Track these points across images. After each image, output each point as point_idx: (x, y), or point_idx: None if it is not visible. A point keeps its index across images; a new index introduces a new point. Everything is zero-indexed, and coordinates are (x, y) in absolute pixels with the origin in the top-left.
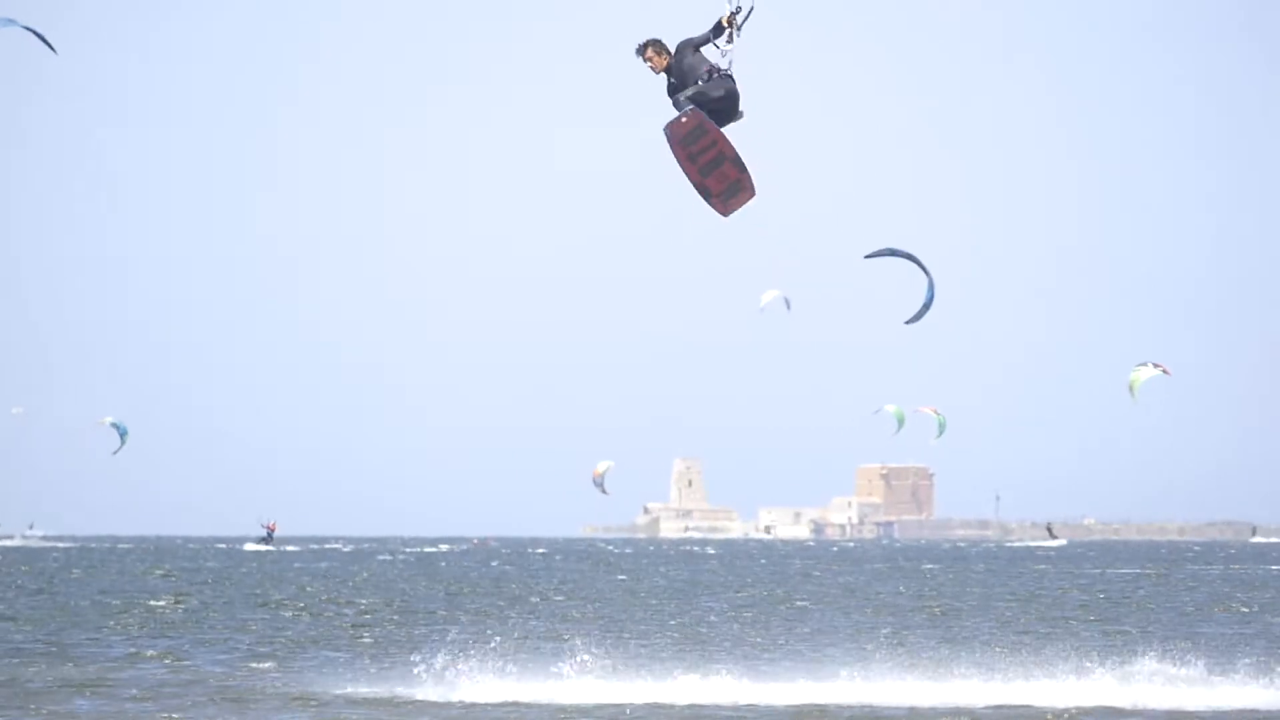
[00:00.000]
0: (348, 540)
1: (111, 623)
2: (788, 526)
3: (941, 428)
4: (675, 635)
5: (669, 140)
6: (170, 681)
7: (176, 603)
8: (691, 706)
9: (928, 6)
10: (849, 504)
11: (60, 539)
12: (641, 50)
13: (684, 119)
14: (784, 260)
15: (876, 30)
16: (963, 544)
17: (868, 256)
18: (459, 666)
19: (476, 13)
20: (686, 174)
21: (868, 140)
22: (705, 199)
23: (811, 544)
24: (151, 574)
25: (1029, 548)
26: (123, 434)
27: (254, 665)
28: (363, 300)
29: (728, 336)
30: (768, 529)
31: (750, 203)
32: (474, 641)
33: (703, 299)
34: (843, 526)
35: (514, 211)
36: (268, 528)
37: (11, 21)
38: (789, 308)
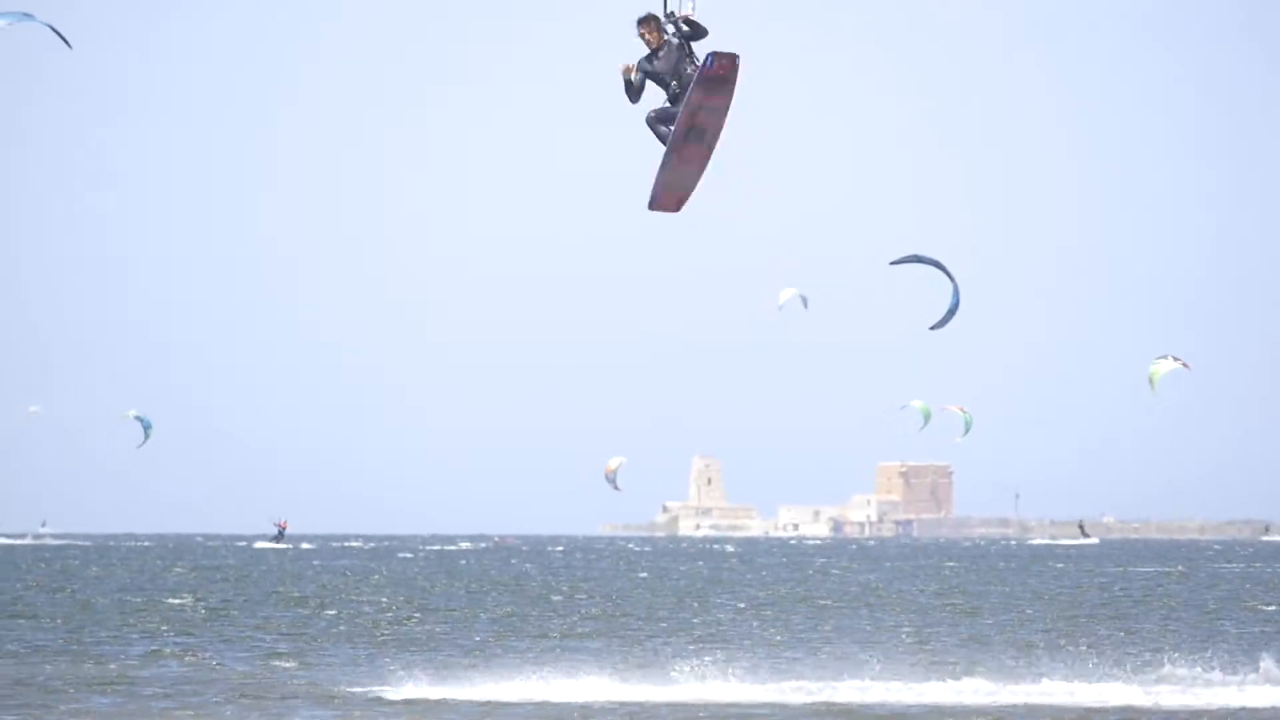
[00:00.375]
0: (367, 538)
1: (132, 621)
2: (807, 524)
3: (968, 426)
4: (697, 634)
5: (700, 72)
6: (191, 679)
7: (197, 601)
8: (713, 705)
9: (928, 6)
10: (868, 502)
11: (72, 537)
12: (644, 22)
13: (724, 62)
14: (800, 258)
15: (877, 30)
16: (982, 542)
17: (893, 263)
18: (480, 664)
19: (477, 13)
20: (677, 123)
21: (881, 139)
22: (661, 168)
23: (830, 542)
24: (170, 572)
25: (1052, 545)
26: (146, 427)
27: (275, 663)
28: (373, 299)
29: (746, 334)
30: (796, 527)
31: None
32: (495, 640)
33: (721, 297)
34: (862, 524)
35: (530, 210)
36: (279, 526)
37: (29, 16)
38: (806, 305)
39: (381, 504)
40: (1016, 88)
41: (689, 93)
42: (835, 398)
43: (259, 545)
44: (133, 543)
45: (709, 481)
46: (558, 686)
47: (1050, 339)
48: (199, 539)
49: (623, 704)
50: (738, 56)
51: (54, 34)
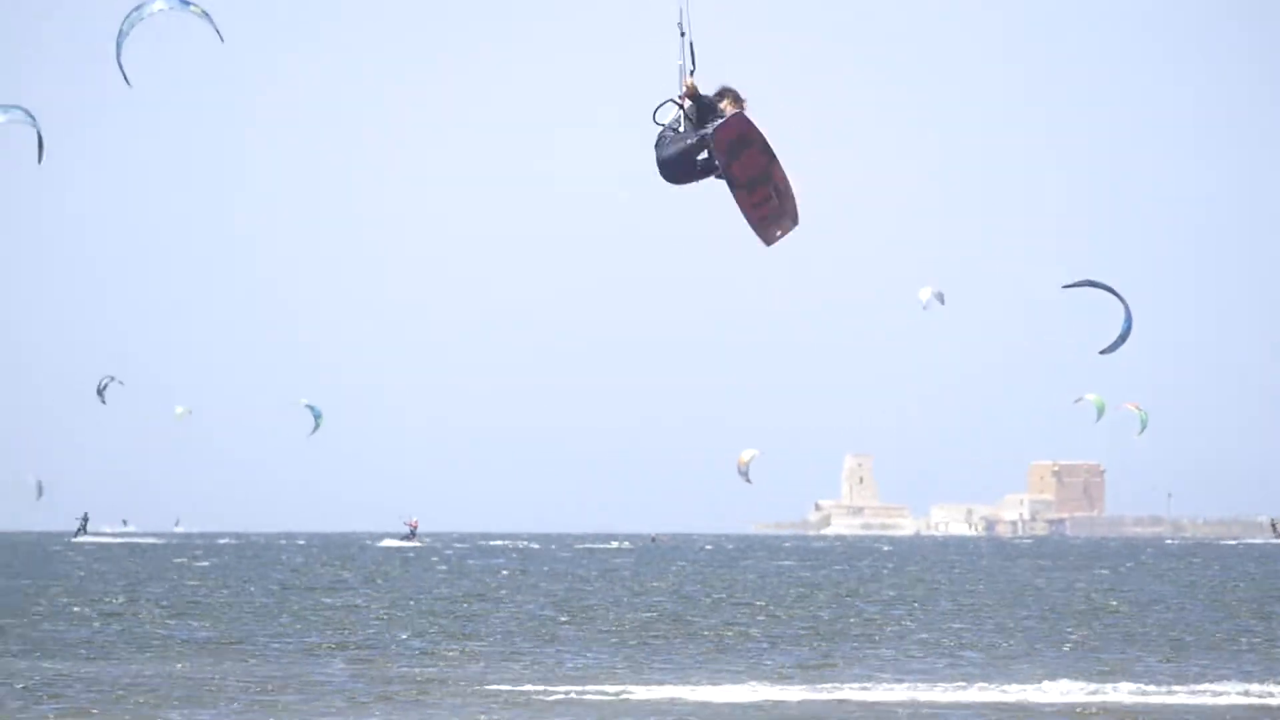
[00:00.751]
0: (516, 537)
1: (295, 619)
2: (958, 524)
3: (1143, 424)
4: (855, 633)
5: (712, 140)
6: (356, 676)
7: (356, 599)
8: (879, 706)
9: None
10: (1021, 501)
11: (209, 535)
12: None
13: (726, 130)
14: (949, 255)
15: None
16: (1136, 540)
17: (1065, 287)
18: (640, 665)
19: (483, 11)
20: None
21: (1042, 136)
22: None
23: (990, 541)
24: (322, 570)
25: (1249, 545)
26: (317, 416)
27: (434, 661)
28: (522, 296)
29: (899, 332)
30: (981, 526)
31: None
32: (655, 639)
33: (872, 294)
34: (1014, 524)
35: (690, 208)
36: (410, 525)
37: (187, 4)
38: (943, 302)
39: (541, 503)
40: (1188, 83)
41: (721, 169)
42: (988, 396)
43: (386, 544)
44: (285, 541)
45: (861, 480)
46: (720, 688)
47: (1211, 337)
48: (354, 536)
49: (807, 702)
50: (739, 115)
51: (210, 25)
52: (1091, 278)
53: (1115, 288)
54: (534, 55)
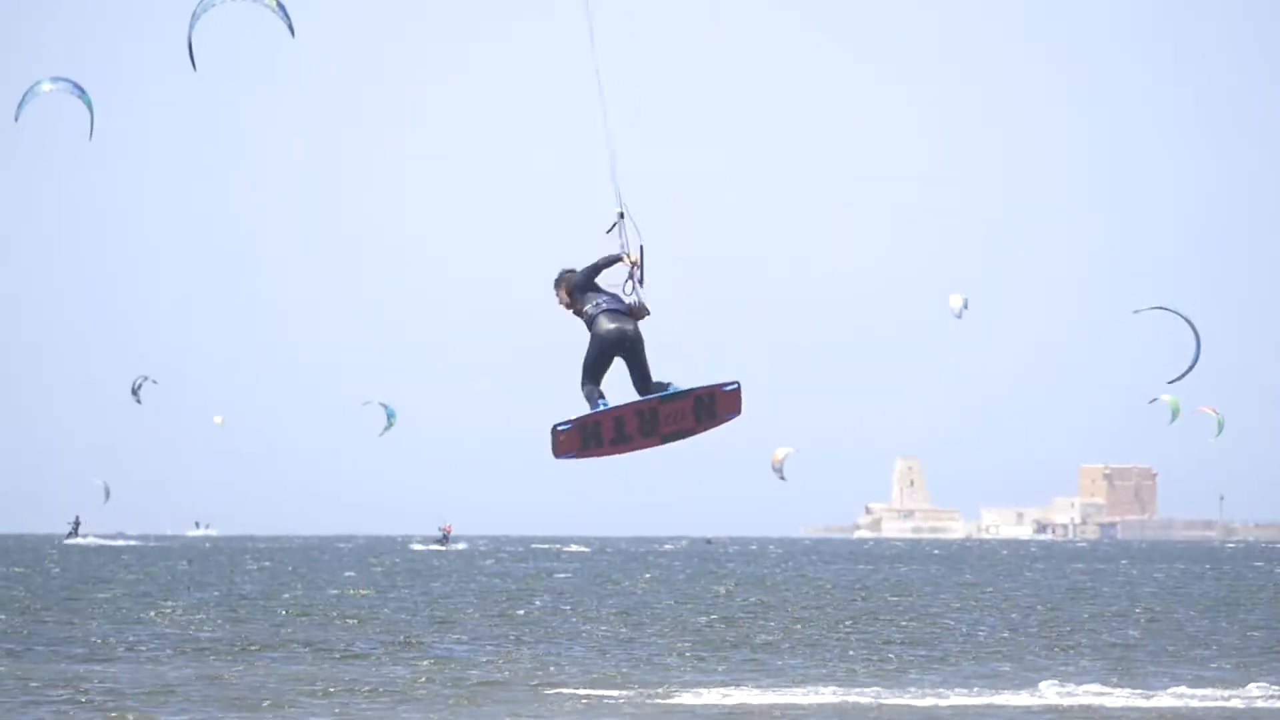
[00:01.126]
0: (569, 541)
1: (343, 620)
2: (1009, 526)
3: (1220, 427)
4: (912, 638)
5: (713, 389)
6: (413, 680)
7: (410, 601)
8: (928, 709)
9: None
10: (1071, 504)
11: (237, 539)
12: (558, 283)
13: (734, 401)
14: (1001, 254)
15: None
16: (1189, 543)
17: (1136, 312)
18: (699, 665)
19: (491, 7)
20: (637, 403)
21: (1092, 135)
22: (591, 414)
23: (1035, 546)
24: (372, 573)
25: None
26: (390, 415)
27: (491, 664)
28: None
29: (949, 333)
30: (1047, 529)
31: None
32: (711, 642)
33: (923, 295)
34: (1065, 527)
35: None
36: (443, 529)
37: None
38: (967, 307)
39: (585, 506)
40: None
41: (674, 395)
42: (1038, 398)
43: (417, 547)
44: (334, 545)
45: (911, 483)
46: (775, 692)
47: (1254, 340)
48: (390, 541)
49: (841, 706)
50: (739, 413)
51: (283, 19)
52: (1164, 303)
53: (1186, 314)
54: (536, 55)
